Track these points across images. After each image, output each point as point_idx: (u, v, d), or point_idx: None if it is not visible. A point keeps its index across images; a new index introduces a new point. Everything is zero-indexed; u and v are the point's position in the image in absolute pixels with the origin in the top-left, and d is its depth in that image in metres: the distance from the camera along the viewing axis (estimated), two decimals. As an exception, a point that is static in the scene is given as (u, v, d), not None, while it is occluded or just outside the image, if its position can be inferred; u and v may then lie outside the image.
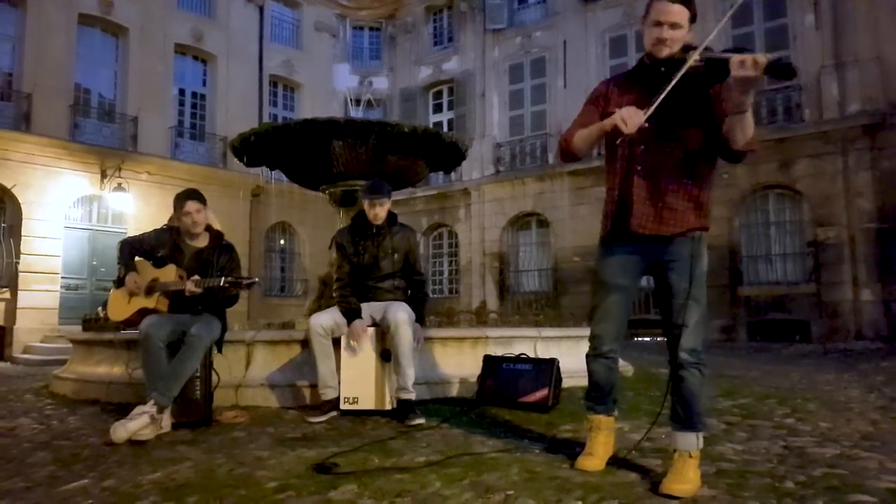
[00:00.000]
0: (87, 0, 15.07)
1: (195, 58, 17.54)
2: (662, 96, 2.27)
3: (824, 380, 6.22)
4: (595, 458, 2.62)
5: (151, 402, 3.43)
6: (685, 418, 2.43)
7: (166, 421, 3.55)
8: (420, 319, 4.06)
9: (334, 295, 4.19)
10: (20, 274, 13.47)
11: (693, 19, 2.43)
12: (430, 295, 4.49)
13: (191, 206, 3.89)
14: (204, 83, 17.72)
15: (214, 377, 3.88)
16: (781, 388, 5.40)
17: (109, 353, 5.04)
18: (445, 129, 18.77)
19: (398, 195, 5.33)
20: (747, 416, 3.93)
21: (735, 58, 2.09)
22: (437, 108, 20.22)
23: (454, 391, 4.53)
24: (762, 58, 2.03)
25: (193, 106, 17.45)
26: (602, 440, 2.66)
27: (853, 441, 3.20)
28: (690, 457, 2.39)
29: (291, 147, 5.60)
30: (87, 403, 4.62)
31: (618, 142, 2.42)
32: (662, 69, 2.36)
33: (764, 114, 13.84)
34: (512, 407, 4.08)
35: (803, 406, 4.38)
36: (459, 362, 4.69)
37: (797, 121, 13.47)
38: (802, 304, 13.06)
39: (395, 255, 4.14)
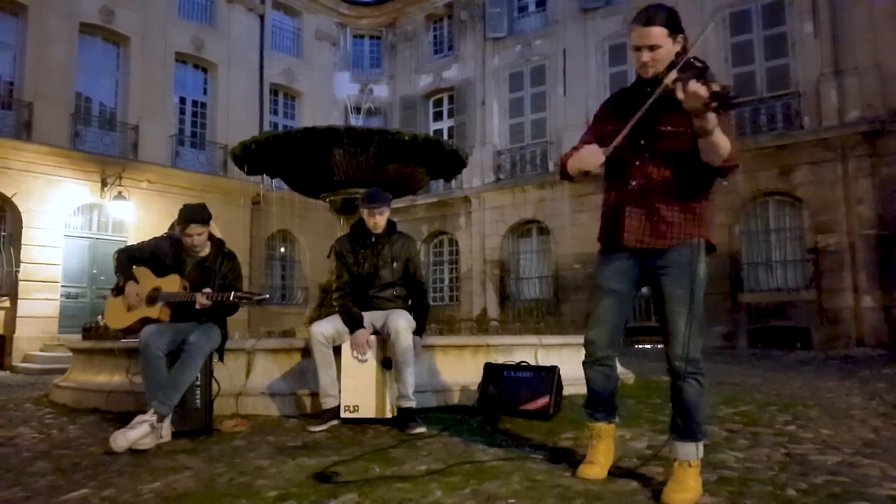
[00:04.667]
0: (89, 9, 15.15)
1: (196, 66, 17.61)
2: (629, 127, 2.36)
3: (825, 387, 6.20)
4: (596, 466, 2.61)
5: (151, 410, 3.43)
6: (684, 428, 2.42)
7: (166, 430, 3.54)
8: (420, 330, 4.05)
9: (335, 304, 4.18)
10: (20, 282, 13.46)
11: (676, 31, 2.43)
12: (431, 303, 4.47)
13: (193, 228, 3.88)
14: (205, 91, 17.78)
15: (215, 386, 3.88)
16: (783, 396, 5.39)
17: (109, 362, 5.04)
18: (446, 136, 18.81)
19: (398, 203, 5.34)
20: (749, 424, 3.92)
21: (679, 89, 2.12)
22: (438, 116, 20.27)
23: (455, 399, 4.53)
24: (703, 90, 2.05)
25: (194, 114, 17.50)
26: (603, 448, 2.66)
27: (855, 448, 3.19)
28: (690, 466, 2.38)
29: (292, 155, 5.61)
30: (86, 412, 4.61)
31: (586, 174, 2.50)
32: (648, 89, 2.40)
33: (763, 121, 13.90)
34: (513, 415, 4.07)
35: (805, 413, 4.36)
36: (460, 370, 4.68)
37: (797, 128, 13.51)
38: (803, 311, 13.06)
39: (395, 264, 4.13)
